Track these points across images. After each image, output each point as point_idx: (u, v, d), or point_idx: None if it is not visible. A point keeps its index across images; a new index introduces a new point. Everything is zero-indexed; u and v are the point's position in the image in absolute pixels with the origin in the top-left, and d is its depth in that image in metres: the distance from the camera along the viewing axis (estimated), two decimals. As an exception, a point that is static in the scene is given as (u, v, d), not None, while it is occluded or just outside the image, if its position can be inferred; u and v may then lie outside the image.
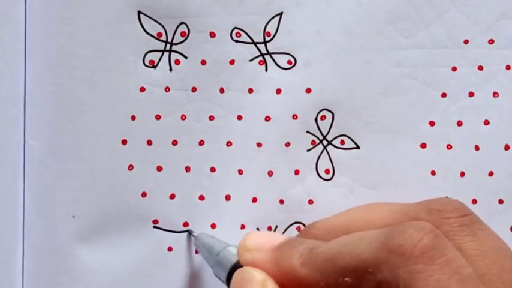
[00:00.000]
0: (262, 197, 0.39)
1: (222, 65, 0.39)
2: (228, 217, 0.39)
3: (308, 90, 0.39)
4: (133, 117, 0.38)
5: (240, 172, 0.39)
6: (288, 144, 0.39)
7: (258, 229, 0.39)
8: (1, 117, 0.37)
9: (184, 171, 0.39)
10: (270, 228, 0.39)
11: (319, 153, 0.40)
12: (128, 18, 0.38)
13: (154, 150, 0.39)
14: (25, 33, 0.38)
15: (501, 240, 0.32)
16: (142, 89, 0.38)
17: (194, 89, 0.39)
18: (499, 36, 0.40)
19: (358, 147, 0.40)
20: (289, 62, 0.39)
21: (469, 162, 0.40)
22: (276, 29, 0.39)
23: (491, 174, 0.40)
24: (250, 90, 0.39)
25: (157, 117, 0.39)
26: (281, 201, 0.39)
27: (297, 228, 0.39)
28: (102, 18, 0.38)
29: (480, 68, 0.40)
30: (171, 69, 0.39)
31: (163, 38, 0.39)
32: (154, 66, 0.39)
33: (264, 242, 0.34)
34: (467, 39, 0.40)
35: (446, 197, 0.39)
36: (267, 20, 0.39)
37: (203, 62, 0.39)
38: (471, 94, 0.40)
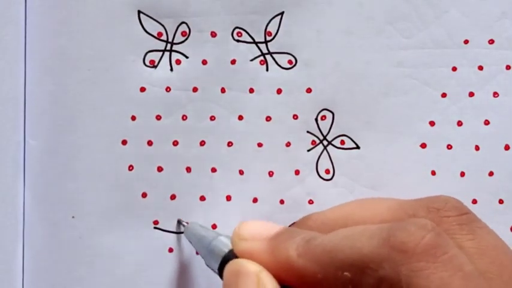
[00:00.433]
0: (262, 197, 0.39)
1: (223, 64, 0.39)
2: (228, 217, 0.39)
3: (308, 90, 0.39)
4: (133, 117, 0.38)
5: (241, 172, 0.39)
6: (288, 144, 0.39)
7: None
8: (1, 117, 0.37)
9: (185, 171, 0.39)
10: (270, 228, 0.39)
11: (319, 153, 0.40)
12: (128, 18, 0.38)
13: (155, 151, 0.39)
14: (25, 33, 0.38)
15: (500, 238, 0.32)
16: (142, 89, 0.38)
17: (195, 89, 0.39)
18: (499, 36, 0.40)
19: (358, 147, 0.40)
20: (290, 61, 0.39)
21: (469, 162, 0.40)
22: (277, 28, 0.39)
23: (491, 174, 0.40)
24: (251, 90, 0.39)
25: (158, 117, 0.38)
26: (281, 201, 0.39)
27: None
28: (102, 18, 0.38)
29: (480, 68, 0.40)
30: (171, 69, 0.39)
31: (164, 37, 0.38)
32: (155, 66, 0.38)
33: (259, 231, 0.33)
34: (467, 39, 0.40)
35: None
36: (268, 20, 0.39)
37: (204, 62, 0.39)
38: (471, 94, 0.40)
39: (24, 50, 0.38)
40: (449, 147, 0.40)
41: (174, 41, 0.39)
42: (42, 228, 0.38)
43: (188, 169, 0.39)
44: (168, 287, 0.38)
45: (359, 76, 0.39)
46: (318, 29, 0.39)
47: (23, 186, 0.38)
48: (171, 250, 0.38)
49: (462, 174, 0.40)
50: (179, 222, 0.38)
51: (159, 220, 0.38)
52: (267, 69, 0.39)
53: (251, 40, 0.39)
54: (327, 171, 0.40)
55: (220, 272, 0.34)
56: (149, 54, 0.38)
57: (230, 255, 0.33)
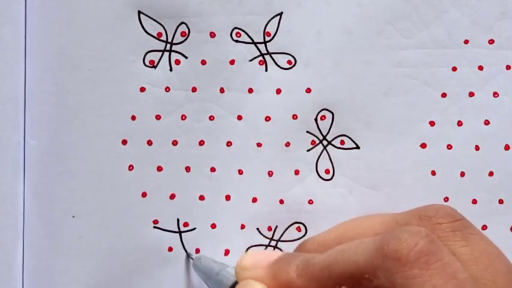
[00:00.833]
0: (262, 197, 0.39)
1: (222, 65, 0.39)
2: (228, 217, 0.39)
3: (308, 90, 0.39)
4: (133, 117, 0.38)
5: (240, 172, 0.39)
6: (288, 144, 0.39)
7: (258, 229, 0.39)
8: (1, 117, 0.37)
9: (185, 171, 0.39)
10: (270, 229, 0.39)
11: (319, 153, 0.40)
12: (127, 18, 0.38)
13: (155, 150, 0.39)
14: (25, 33, 0.38)
15: (493, 245, 0.32)
16: (142, 89, 0.38)
17: (194, 89, 0.39)
18: (499, 36, 0.40)
19: (358, 147, 0.40)
20: (289, 62, 0.39)
21: (469, 162, 0.40)
22: (276, 29, 0.39)
23: (491, 174, 0.40)
24: (250, 90, 0.39)
25: (158, 117, 0.39)
26: (281, 201, 0.39)
27: (297, 229, 0.39)
28: (102, 18, 0.38)
29: (480, 68, 0.40)
30: (171, 69, 0.39)
31: (164, 38, 0.39)
32: (155, 66, 0.39)
33: (260, 259, 0.34)
34: (467, 39, 0.40)
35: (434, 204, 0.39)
36: (267, 20, 0.39)
37: (203, 62, 0.39)
38: (471, 94, 0.40)
39: (24, 50, 0.38)
40: (449, 147, 0.40)
41: (174, 41, 0.39)
42: (42, 228, 0.38)
43: (187, 169, 0.39)
44: (167, 286, 0.38)
45: (359, 76, 0.39)
46: (317, 29, 0.39)
47: (23, 186, 0.38)
48: (170, 249, 0.39)
49: (462, 174, 0.40)
50: (188, 255, 0.38)
51: (158, 220, 0.39)
52: (266, 70, 0.39)
53: (250, 40, 0.39)
54: (327, 171, 0.40)
55: None
56: (149, 54, 0.38)
57: (236, 285, 0.34)
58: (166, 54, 0.39)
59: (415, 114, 0.40)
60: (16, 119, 0.38)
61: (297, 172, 0.39)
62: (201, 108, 0.39)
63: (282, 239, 0.39)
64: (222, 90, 0.39)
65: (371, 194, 0.40)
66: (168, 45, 0.39)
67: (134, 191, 0.38)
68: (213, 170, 0.39)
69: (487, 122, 0.40)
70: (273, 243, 0.39)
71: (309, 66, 0.39)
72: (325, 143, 0.40)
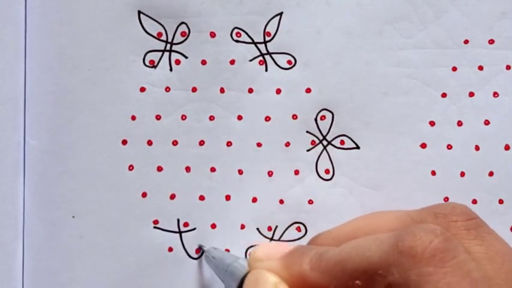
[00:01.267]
0: (262, 197, 0.39)
1: (222, 65, 0.39)
2: (228, 217, 0.39)
3: (308, 90, 0.39)
4: (133, 117, 0.38)
5: (240, 172, 0.39)
6: (288, 144, 0.39)
7: (258, 229, 0.39)
8: (1, 117, 0.37)
9: (185, 171, 0.39)
10: (270, 229, 0.39)
11: (319, 153, 0.40)
12: (128, 18, 0.38)
13: (155, 150, 0.39)
14: (25, 33, 0.38)
15: (507, 245, 0.31)
16: (142, 89, 0.38)
17: (194, 89, 0.39)
18: (499, 36, 0.40)
19: (358, 147, 0.40)
20: (289, 62, 0.39)
21: (469, 162, 0.40)
22: (276, 29, 0.39)
23: (491, 174, 0.40)
24: (250, 90, 0.39)
25: (158, 117, 0.39)
26: (281, 201, 0.39)
27: (297, 229, 0.39)
28: (102, 18, 0.38)
29: (480, 68, 0.40)
30: (171, 69, 0.39)
31: (164, 38, 0.39)
32: (155, 66, 0.39)
33: (274, 251, 0.33)
34: (467, 39, 0.40)
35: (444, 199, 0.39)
36: (267, 20, 0.39)
37: (203, 62, 0.39)
38: (471, 94, 0.40)
39: (24, 50, 0.38)
40: (449, 147, 0.40)
41: (174, 41, 0.39)
42: (42, 228, 0.38)
43: (188, 169, 0.39)
44: (167, 286, 0.38)
45: (359, 76, 0.39)
46: (317, 29, 0.39)
47: (23, 186, 0.38)
48: (170, 249, 0.39)
49: (462, 174, 0.40)
50: (200, 247, 0.39)
51: (158, 220, 0.39)
52: (266, 70, 0.39)
53: (250, 40, 0.39)
54: (327, 171, 0.40)
55: None
56: (149, 54, 0.38)
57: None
58: (166, 54, 0.39)
59: (415, 114, 0.40)
60: (16, 119, 0.38)
61: (296, 172, 0.39)
62: (201, 108, 0.39)
63: (282, 239, 0.39)
64: (222, 90, 0.39)
65: (371, 194, 0.39)
66: (168, 45, 0.39)
67: (134, 191, 0.38)
68: (213, 170, 0.39)
69: (487, 122, 0.40)
70: (273, 243, 0.39)
71: (309, 66, 0.39)
72: (325, 143, 0.40)
